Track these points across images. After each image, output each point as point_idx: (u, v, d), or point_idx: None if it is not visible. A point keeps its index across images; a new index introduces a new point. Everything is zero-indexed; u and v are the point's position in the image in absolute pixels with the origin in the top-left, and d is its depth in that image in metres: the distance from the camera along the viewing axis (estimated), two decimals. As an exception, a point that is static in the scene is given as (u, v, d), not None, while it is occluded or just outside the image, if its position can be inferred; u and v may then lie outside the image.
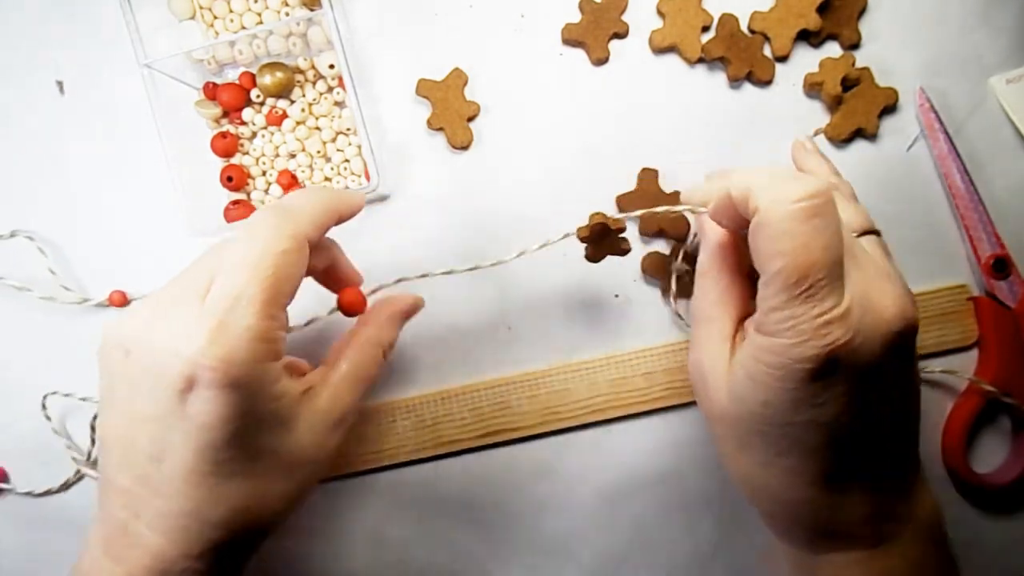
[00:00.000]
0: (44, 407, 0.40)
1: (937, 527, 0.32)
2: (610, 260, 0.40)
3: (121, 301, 0.41)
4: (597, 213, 0.34)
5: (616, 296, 0.41)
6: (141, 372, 0.29)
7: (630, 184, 0.40)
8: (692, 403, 0.40)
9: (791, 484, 0.30)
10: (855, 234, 0.32)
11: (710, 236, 0.33)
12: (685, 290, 0.40)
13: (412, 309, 0.37)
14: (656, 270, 0.40)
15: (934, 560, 0.31)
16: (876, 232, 0.34)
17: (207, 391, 0.28)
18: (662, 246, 0.41)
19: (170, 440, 0.28)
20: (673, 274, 0.39)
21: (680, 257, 0.39)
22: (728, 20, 0.40)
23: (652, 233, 0.40)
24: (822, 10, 0.39)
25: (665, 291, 0.40)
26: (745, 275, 0.33)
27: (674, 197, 0.40)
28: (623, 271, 0.41)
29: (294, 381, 0.31)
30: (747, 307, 0.32)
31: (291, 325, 0.35)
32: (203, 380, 0.27)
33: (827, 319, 0.26)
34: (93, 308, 0.41)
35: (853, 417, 0.28)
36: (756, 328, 0.29)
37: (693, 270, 0.39)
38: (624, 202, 0.40)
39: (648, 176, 0.40)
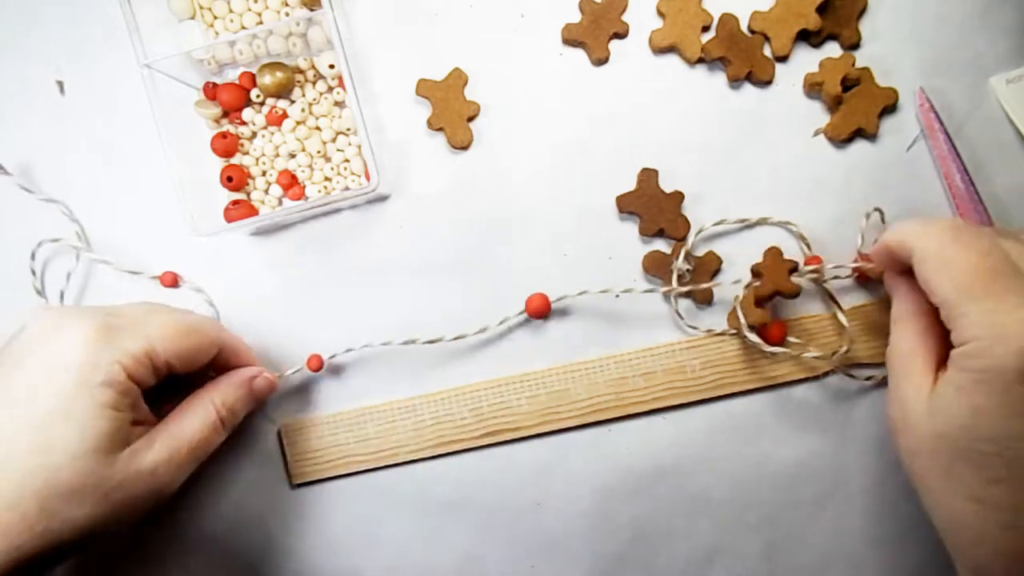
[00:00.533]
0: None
1: None
2: (610, 261, 0.41)
3: (172, 282, 0.41)
4: (772, 248, 0.37)
5: (616, 296, 0.41)
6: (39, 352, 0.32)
7: (630, 184, 0.40)
8: (692, 403, 0.40)
9: (1009, 522, 0.27)
10: None
11: (901, 284, 0.33)
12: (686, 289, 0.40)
13: (261, 385, 0.38)
14: (657, 268, 0.40)
15: None
16: None
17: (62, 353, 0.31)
18: (663, 245, 0.41)
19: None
20: (674, 273, 0.39)
21: (681, 256, 0.39)
22: (728, 20, 0.40)
23: (652, 233, 0.40)
24: (822, 10, 0.39)
25: (666, 290, 0.40)
26: (937, 319, 0.32)
27: (674, 197, 0.40)
28: (623, 272, 0.41)
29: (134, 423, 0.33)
30: (944, 349, 0.31)
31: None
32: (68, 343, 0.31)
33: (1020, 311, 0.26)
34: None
35: None
36: (955, 341, 0.28)
37: (693, 269, 0.40)
38: (624, 202, 0.40)
39: (648, 176, 0.40)
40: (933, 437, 0.28)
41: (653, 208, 0.40)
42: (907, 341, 0.32)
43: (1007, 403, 0.26)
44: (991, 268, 0.27)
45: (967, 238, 0.28)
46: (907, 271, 0.32)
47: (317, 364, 0.39)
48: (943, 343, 0.31)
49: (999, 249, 0.28)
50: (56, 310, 0.34)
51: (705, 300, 0.40)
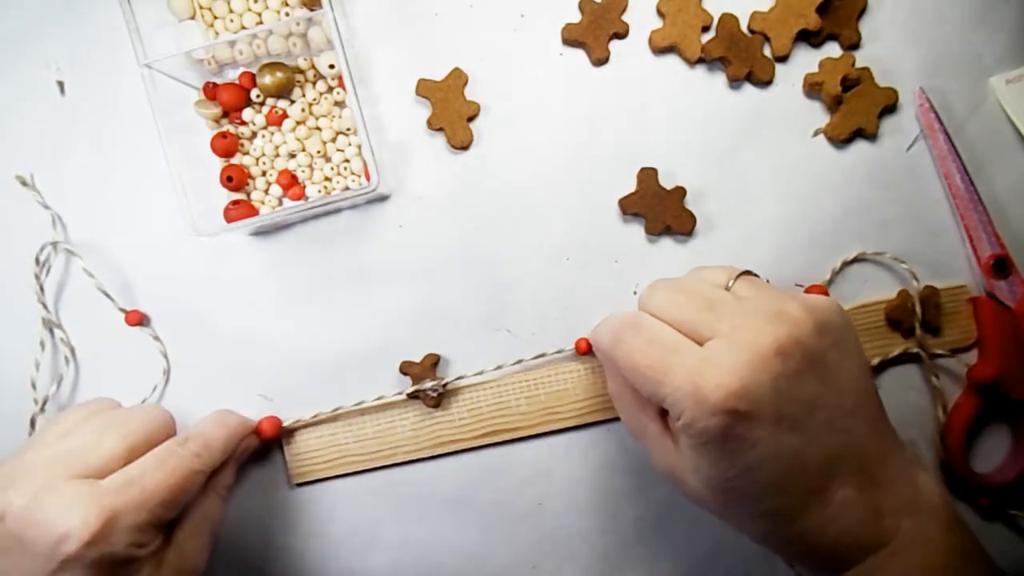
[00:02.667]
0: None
1: (944, 508, 0.31)
2: (611, 262, 0.41)
3: (137, 320, 0.41)
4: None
5: (615, 298, 0.41)
6: (16, 541, 0.30)
7: (629, 183, 0.40)
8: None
9: (779, 524, 0.31)
10: (724, 286, 0.33)
11: (610, 365, 0.36)
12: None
13: (246, 441, 0.39)
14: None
15: (953, 540, 0.31)
16: (746, 273, 0.34)
17: (80, 569, 0.30)
18: (669, 242, 0.41)
19: None
20: None
21: None
22: (728, 20, 0.40)
23: (659, 232, 0.40)
24: (822, 10, 0.39)
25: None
26: None
27: (676, 192, 0.40)
28: (623, 273, 0.41)
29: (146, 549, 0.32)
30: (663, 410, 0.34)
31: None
32: (80, 561, 0.30)
33: (694, 379, 0.29)
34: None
35: (781, 447, 0.30)
36: (672, 417, 0.32)
37: None
38: (627, 204, 0.40)
39: (648, 175, 0.40)
40: (700, 488, 0.32)
41: (656, 206, 0.40)
42: (633, 415, 0.35)
43: (728, 448, 0.30)
44: (660, 357, 0.31)
45: (633, 337, 0.32)
46: None
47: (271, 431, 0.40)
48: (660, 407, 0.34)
49: (660, 331, 0.32)
50: (40, 495, 0.31)
51: None
